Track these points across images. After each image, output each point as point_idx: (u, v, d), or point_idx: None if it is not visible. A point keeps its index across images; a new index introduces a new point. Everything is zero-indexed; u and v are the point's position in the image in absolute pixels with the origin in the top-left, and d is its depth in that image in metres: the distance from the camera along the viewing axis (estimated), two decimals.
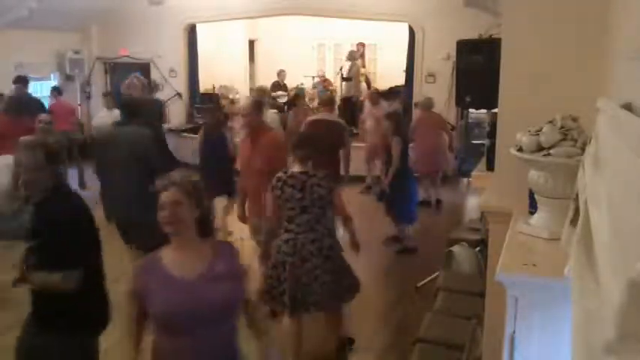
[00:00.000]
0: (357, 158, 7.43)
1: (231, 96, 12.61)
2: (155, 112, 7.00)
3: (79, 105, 10.85)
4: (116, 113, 6.29)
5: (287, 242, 3.77)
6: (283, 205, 3.80)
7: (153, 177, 2.31)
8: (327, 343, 4.18)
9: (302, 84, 12.23)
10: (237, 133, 6.33)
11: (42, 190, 2.74)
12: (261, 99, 5.46)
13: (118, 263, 3.91)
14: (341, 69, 11.90)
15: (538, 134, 2.05)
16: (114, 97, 8.20)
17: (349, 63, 11.67)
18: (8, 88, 8.29)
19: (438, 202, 8.45)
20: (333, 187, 3.87)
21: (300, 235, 3.76)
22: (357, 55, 12.02)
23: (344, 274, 3.88)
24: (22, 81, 8.23)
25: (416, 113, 9.23)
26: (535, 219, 2.17)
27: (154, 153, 4.54)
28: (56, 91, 9.61)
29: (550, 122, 2.06)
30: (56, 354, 2.70)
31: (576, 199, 1.43)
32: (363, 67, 12.90)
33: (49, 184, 2.74)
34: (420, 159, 7.96)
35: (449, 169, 9.03)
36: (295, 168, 3.87)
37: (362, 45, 13.03)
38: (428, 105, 8.44)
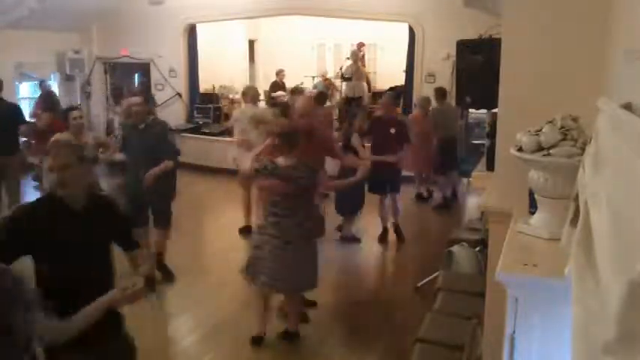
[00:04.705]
0: None
1: (231, 96, 12.60)
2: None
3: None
4: None
5: (272, 225, 4.10)
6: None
7: None
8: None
9: (302, 83, 12.23)
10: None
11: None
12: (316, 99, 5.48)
13: None
14: (341, 68, 11.90)
15: (538, 134, 2.05)
16: None
17: (349, 62, 11.65)
18: (8, 88, 8.28)
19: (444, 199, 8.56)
20: (315, 177, 4.15)
21: (283, 218, 4.07)
22: (359, 55, 12.01)
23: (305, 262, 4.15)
24: None
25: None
26: (535, 219, 2.16)
27: None
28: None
29: (550, 122, 2.06)
30: None
31: (576, 199, 1.43)
32: (363, 66, 12.89)
33: None
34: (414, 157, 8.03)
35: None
36: (280, 160, 4.08)
37: (362, 45, 13.02)
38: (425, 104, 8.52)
